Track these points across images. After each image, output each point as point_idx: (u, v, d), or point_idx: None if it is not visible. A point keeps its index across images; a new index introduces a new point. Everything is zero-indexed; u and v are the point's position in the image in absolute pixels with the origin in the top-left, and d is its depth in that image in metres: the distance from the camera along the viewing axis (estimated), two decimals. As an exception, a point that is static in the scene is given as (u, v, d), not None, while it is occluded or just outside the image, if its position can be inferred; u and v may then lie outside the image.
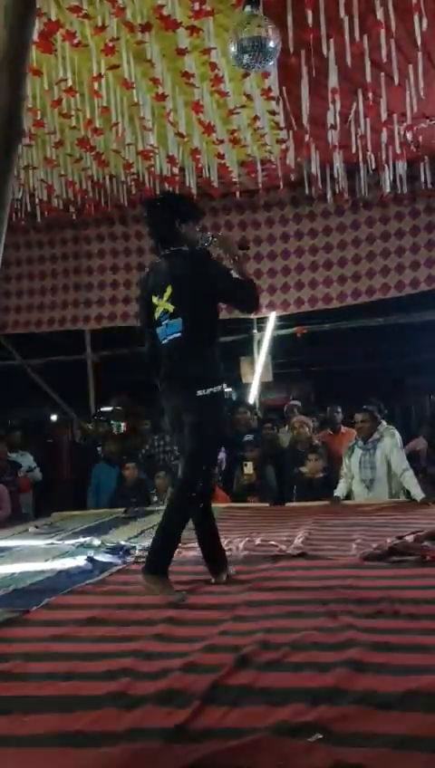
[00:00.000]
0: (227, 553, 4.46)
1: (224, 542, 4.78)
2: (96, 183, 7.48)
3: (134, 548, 4.73)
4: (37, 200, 7.69)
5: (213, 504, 6.03)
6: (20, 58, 2.86)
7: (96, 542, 5.02)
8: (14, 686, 2.32)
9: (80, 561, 4.39)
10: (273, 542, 4.67)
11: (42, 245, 9.64)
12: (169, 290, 3.62)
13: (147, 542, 4.88)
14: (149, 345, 3.78)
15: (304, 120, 5.97)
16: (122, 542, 4.94)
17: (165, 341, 3.65)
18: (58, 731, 1.96)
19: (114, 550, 4.71)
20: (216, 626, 2.85)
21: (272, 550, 4.44)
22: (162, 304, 3.64)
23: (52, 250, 9.62)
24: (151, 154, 6.64)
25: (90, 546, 4.89)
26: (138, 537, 5.20)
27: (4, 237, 3.06)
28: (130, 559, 4.43)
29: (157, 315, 3.67)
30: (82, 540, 5.17)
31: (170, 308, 3.61)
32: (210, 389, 3.52)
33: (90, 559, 4.40)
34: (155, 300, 3.68)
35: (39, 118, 5.96)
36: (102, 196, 7.85)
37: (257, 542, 4.75)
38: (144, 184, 7.38)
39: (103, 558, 4.46)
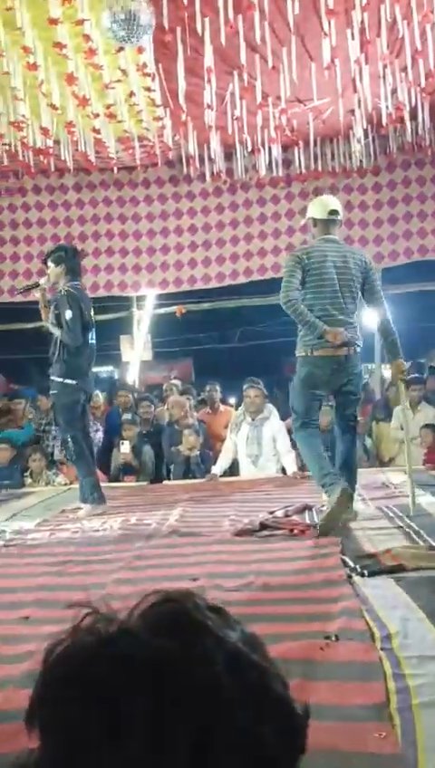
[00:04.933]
0: (102, 533, 4.48)
1: (99, 522, 4.79)
2: (-34, 153, 7.16)
3: (5, 531, 4.62)
4: None
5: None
6: None
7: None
8: None
9: None
10: (147, 521, 4.70)
11: None
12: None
13: (19, 525, 4.81)
14: (82, 336, 5.27)
15: (181, 99, 5.94)
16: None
17: (92, 343, 5.40)
18: None
19: (-16, 534, 4.59)
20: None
21: (146, 529, 4.47)
22: (92, 318, 5.40)
23: None
24: (24, 125, 6.41)
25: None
26: (9, 520, 5.07)
27: None
28: (0, 542, 4.34)
29: (90, 323, 5.36)
30: None
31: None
32: None
33: (-42, 543, 4.27)
34: (89, 313, 5.36)
35: None
36: (-27, 166, 7.53)
37: (133, 521, 4.77)
38: (17, 155, 7.14)
39: (-28, 542, 4.34)
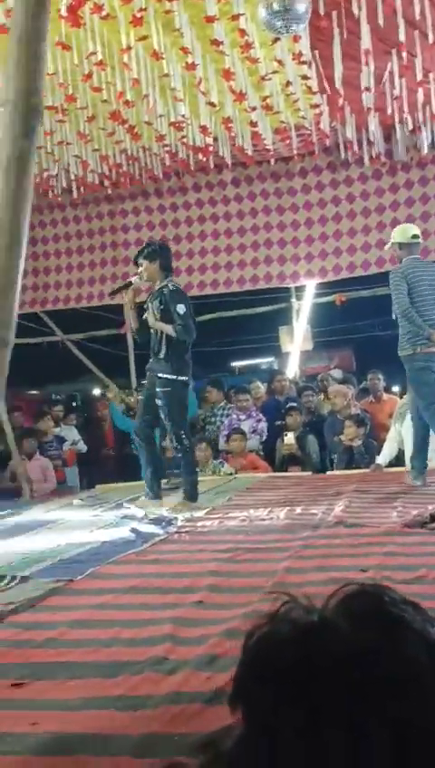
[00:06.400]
0: (268, 522, 4.53)
1: (265, 511, 4.85)
2: (130, 156, 7.47)
3: (176, 518, 4.80)
4: (72, 176, 7.72)
5: (255, 474, 6.14)
6: (37, 37, 2.89)
7: (139, 513, 5.11)
8: (60, 653, 2.40)
9: (123, 531, 4.48)
10: (313, 511, 4.70)
11: (78, 221, 9.66)
12: None
13: (190, 513, 4.98)
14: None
15: (338, 84, 5.85)
16: (165, 513, 5.03)
17: None
18: (101, 695, 2.03)
19: (157, 520, 4.80)
20: (256, 593, 2.90)
21: (312, 519, 4.47)
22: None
23: (88, 225, 9.62)
24: (184, 125, 6.59)
25: (133, 517, 4.99)
26: (180, 508, 5.26)
27: (29, 215, 3.08)
28: (172, 529, 4.51)
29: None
30: (125, 511, 5.27)
31: None
32: None
33: (133, 530, 4.49)
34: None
35: (70, 92, 5.96)
36: (137, 169, 7.85)
37: (298, 510, 4.78)
38: (178, 155, 7.35)
39: (146, 528, 4.55)
